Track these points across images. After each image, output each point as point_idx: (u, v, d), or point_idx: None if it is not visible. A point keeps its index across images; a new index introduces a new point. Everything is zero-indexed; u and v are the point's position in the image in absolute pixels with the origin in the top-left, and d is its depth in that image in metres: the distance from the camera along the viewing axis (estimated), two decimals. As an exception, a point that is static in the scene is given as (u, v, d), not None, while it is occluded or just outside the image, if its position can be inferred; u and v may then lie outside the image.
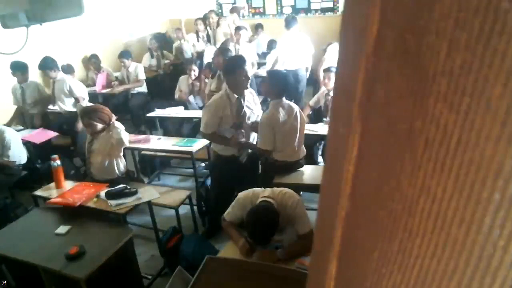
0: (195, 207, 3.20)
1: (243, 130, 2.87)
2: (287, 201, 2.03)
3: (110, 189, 2.64)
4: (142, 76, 5.31)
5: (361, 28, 0.26)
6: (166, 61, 6.32)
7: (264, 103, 3.83)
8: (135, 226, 3.08)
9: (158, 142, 3.63)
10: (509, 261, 0.23)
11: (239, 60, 2.89)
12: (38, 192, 2.81)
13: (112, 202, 2.52)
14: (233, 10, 6.19)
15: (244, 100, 2.85)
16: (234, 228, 2.13)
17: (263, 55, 5.98)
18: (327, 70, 3.66)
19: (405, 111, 0.25)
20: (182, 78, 4.68)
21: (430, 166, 0.24)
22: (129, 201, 2.56)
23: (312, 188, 2.82)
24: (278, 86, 2.79)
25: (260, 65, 5.62)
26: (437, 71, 0.23)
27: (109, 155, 2.97)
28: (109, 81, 5.42)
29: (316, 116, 3.85)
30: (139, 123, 5.26)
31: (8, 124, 4.07)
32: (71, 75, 4.82)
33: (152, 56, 6.21)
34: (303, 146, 2.94)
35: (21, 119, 4.48)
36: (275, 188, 2.14)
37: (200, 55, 5.89)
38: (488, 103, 0.21)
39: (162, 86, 5.84)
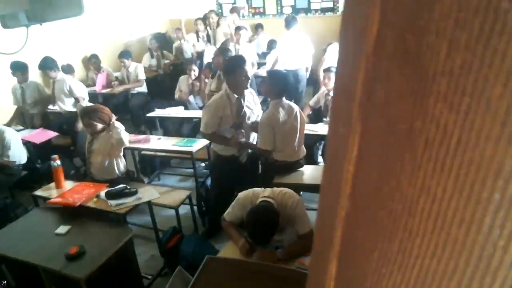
0: (195, 207, 3.20)
1: (243, 130, 2.87)
2: (287, 201, 2.03)
3: (110, 189, 2.64)
4: (142, 76, 5.31)
5: (361, 28, 0.26)
6: (166, 61, 6.32)
7: (264, 103, 3.83)
8: (135, 226, 3.08)
9: (158, 142, 3.63)
10: (509, 261, 0.23)
11: (239, 60, 2.89)
12: (38, 192, 2.81)
13: (112, 202, 2.52)
14: (233, 10, 6.19)
15: (244, 100, 2.85)
16: (234, 228, 2.13)
17: (263, 55, 5.98)
18: (327, 70, 3.66)
19: (405, 111, 0.25)
20: (182, 78, 4.68)
21: (430, 166, 0.24)
22: (129, 201, 2.56)
23: (312, 188, 2.82)
24: (278, 86, 2.78)
25: (260, 65, 5.62)
26: (437, 71, 0.23)
27: (109, 155, 2.97)
28: (109, 81, 5.42)
29: (316, 116, 3.85)
30: (139, 123, 5.26)
31: (8, 124, 4.07)
32: (71, 75, 4.82)
33: (152, 56, 6.21)
34: (303, 146, 2.94)
35: (21, 119, 4.48)
36: (275, 188, 2.14)
37: (200, 55, 5.89)
38: (488, 103, 0.21)
39: (162, 86, 5.84)
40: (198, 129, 3.13)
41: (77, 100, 4.21)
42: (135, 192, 2.62)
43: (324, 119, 3.67)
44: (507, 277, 0.23)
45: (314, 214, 0.59)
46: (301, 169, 2.96)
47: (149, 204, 2.65)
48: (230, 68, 2.81)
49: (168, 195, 3.05)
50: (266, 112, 2.78)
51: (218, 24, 6.26)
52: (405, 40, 0.24)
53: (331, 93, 3.41)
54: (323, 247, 0.35)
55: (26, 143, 3.78)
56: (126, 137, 2.99)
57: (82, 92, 4.27)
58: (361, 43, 0.26)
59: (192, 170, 3.52)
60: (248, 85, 2.86)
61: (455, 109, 0.22)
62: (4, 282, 2.28)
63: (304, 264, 1.82)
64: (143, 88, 5.40)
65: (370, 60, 0.26)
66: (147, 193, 2.70)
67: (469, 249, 0.24)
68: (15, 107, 4.39)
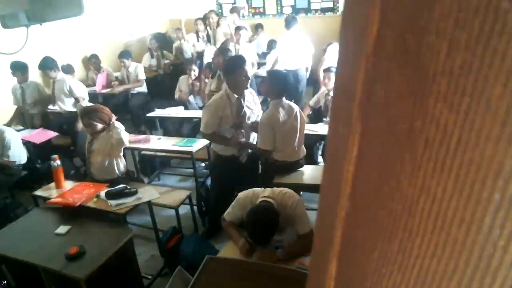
0: (195, 207, 3.20)
1: (243, 130, 2.87)
2: (287, 201, 2.03)
3: (110, 189, 2.64)
4: (142, 76, 5.31)
5: (361, 28, 0.26)
6: (166, 61, 6.32)
7: (264, 103, 3.83)
8: (135, 226, 3.07)
9: (158, 142, 3.63)
10: (509, 261, 0.23)
11: (239, 60, 2.89)
12: (38, 192, 2.81)
13: (112, 202, 2.52)
14: (233, 10, 6.19)
15: (244, 100, 2.85)
16: (234, 228, 2.13)
17: (263, 55, 5.98)
18: (327, 70, 3.66)
19: (405, 111, 0.25)
20: (182, 78, 4.68)
21: (430, 166, 0.24)
22: (129, 201, 2.56)
23: (312, 188, 2.82)
24: (278, 86, 2.78)
25: (260, 65, 5.62)
26: (437, 71, 0.23)
27: (109, 155, 2.97)
28: (109, 81, 5.42)
29: (316, 116, 3.85)
30: (139, 123, 5.26)
31: (8, 124, 4.07)
32: (71, 75, 4.82)
33: (152, 56, 6.21)
34: (303, 146, 2.94)
35: (21, 119, 4.48)
36: (275, 188, 2.14)
37: (200, 55, 5.89)
38: (488, 103, 0.21)
39: (162, 86, 5.84)
40: (198, 129, 3.13)
41: (77, 100, 4.21)
42: (135, 192, 2.62)
43: (324, 119, 3.67)
44: (507, 277, 0.23)
45: (314, 214, 0.59)
46: (301, 169, 2.96)
47: (149, 204, 2.64)
48: (230, 68, 2.81)
49: (168, 195, 3.05)
50: (266, 112, 2.78)
51: (218, 24, 6.26)
52: (405, 40, 0.24)
53: (331, 93, 3.41)
54: (323, 247, 0.35)
55: (26, 143, 3.78)
56: (126, 137, 2.99)
57: (82, 92, 4.27)
58: (361, 43, 0.26)
59: (192, 170, 3.52)
60: (248, 85, 2.86)
61: (455, 109, 0.22)
62: (4, 282, 2.28)
63: (304, 264, 1.82)
64: (143, 88, 5.40)
65: (370, 60, 0.26)
66: (147, 193, 2.70)
67: (469, 249, 0.24)
68: (15, 107, 4.39)
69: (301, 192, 2.77)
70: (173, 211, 2.96)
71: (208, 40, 6.37)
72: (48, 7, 1.44)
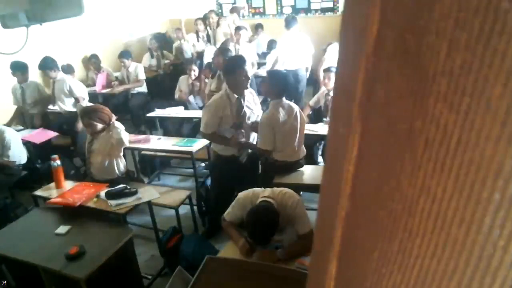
0: (195, 207, 3.20)
1: (243, 130, 2.87)
2: (287, 201, 2.03)
3: (110, 189, 2.64)
4: (142, 76, 5.31)
5: (361, 28, 0.26)
6: (166, 61, 6.32)
7: (264, 103, 3.83)
8: (135, 226, 3.07)
9: (158, 142, 3.63)
10: (509, 261, 0.23)
11: (239, 60, 2.89)
12: (38, 192, 2.81)
13: (112, 202, 2.52)
14: (233, 10, 6.19)
15: (244, 100, 2.85)
16: (234, 228, 2.13)
17: (263, 55, 5.98)
18: (327, 70, 3.66)
19: (405, 111, 0.25)
20: (182, 78, 4.68)
21: (430, 166, 0.24)
22: (129, 201, 2.56)
23: (312, 188, 2.82)
24: (278, 86, 2.78)
25: (260, 65, 5.62)
26: (437, 71, 0.23)
27: (109, 155, 2.97)
28: (109, 81, 5.42)
29: (316, 116, 3.85)
30: (139, 123, 5.26)
31: (8, 124, 4.07)
32: (71, 75, 4.82)
33: (152, 56, 6.21)
34: (303, 146, 2.94)
35: (21, 119, 4.48)
36: (275, 188, 2.14)
37: (200, 55, 5.89)
38: (488, 103, 0.21)
39: (162, 86, 5.84)
40: (198, 129, 3.13)
41: (77, 100, 4.21)
42: (135, 192, 2.62)
43: (324, 119, 3.67)
44: (507, 277, 0.23)
45: (314, 214, 0.59)
46: (301, 169, 2.96)
47: (149, 204, 2.64)
48: (230, 68, 2.81)
49: (168, 195, 3.05)
50: (266, 112, 2.78)
51: (218, 24, 6.26)
52: (405, 40, 0.24)
53: (331, 93, 3.41)
54: (323, 247, 0.35)
55: (26, 143, 3.78)
56: (126, 137, 2.99)
57: (82, 92, 4.27)
58: (361, 43, 0.26)
59: (192, 170, 3.52)
60: (248, 85, 2.86)
61: (455, 109, 0.22)
62: (4, 282, 2.28)
63: (304, 264, 1.82)
64: (143, 88, 5.40)
65: (370, 60, 0.26)
66: (147, 193, 2.70)
67: (469, 249, 0.24)
68: (15, 107, 4.38)
69: (301, 192, 2.77)
70: (173, 211, 2.96)
71: (208, 40, 6.37)
72: (48, 7, 1.44)
